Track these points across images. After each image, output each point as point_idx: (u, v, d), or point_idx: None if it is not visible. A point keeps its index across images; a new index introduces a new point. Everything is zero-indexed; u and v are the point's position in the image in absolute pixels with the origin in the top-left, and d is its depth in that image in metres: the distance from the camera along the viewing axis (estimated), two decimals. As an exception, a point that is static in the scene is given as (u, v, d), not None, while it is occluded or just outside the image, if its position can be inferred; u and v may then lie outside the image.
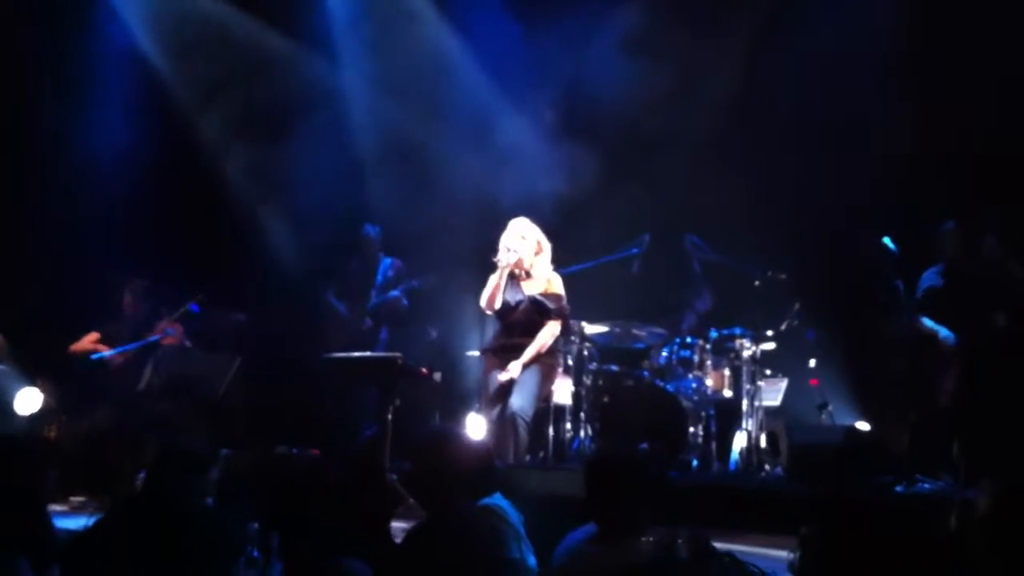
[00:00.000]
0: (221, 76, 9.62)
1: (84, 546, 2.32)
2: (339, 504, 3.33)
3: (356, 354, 8.12)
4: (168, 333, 8.18)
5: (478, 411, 7.35)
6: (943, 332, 7.63)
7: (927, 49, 8.43)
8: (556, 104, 9.80)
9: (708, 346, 8.54)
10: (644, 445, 7.60)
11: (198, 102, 9.86)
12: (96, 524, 2.32)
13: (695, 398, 8.37)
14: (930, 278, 7.85)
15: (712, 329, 8.56)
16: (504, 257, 7.06)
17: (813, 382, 8.87)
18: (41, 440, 6.97)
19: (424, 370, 7.76)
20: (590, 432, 8.24)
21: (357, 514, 3.41)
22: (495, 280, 7.09)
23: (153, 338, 8.16)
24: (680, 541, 3.29)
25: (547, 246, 7.22)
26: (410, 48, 9.60)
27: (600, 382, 8.48)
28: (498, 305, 7.13)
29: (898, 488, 6.75)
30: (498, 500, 4.32)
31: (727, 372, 8.51)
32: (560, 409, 8.23)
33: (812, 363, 8.85)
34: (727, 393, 8.46)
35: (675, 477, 7.52)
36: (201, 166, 9.80)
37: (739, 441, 8.17)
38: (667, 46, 9.20)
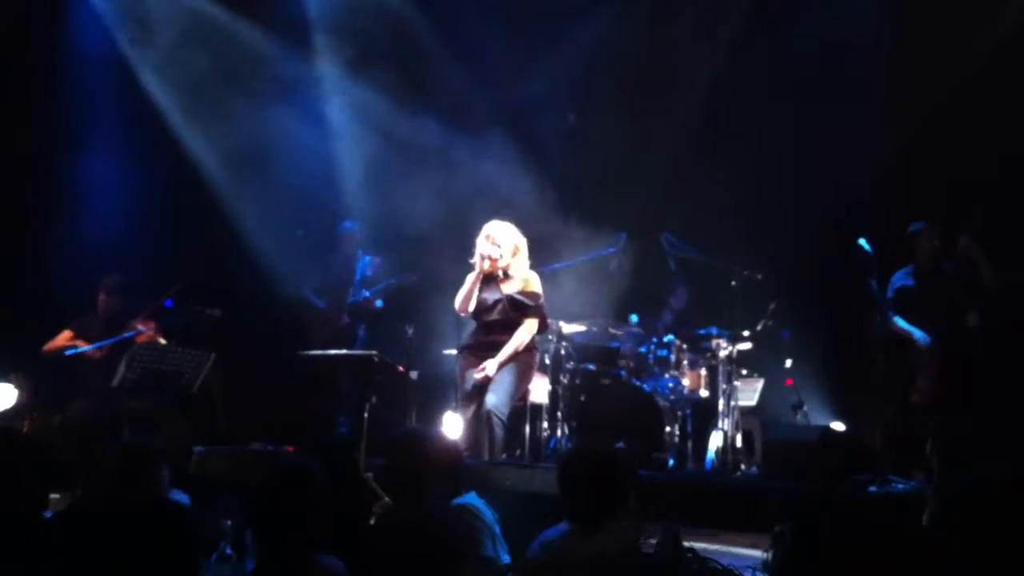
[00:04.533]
0: (198, 68, 9.55)
1: (46, 539, 2.30)
2: (313, 500, 3.32)
3: (333, 351, 8.10)
4: (140, 330, 8.11)
5: (454, 409, 7.33)
6: (917, 334, 7.68)
7: (906, 48, 8.47)
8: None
9: (685, 345, 8.56)
10: (620, 444, 7.65)
11: (176, 96, 9.79)
12: (55, 518, 2.30)
13: (672, 397, 8.40)
14: (901, 278, 7.89)
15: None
16: (479, 264, 7.04)
17: (789, 382, 8.91)
18: (20, 436, 6.90)
19: (400, 367, 7.75)
20: (567, 431, 8.25)
21: (332, 510, 3.39)
22: (468, 284, 7.08)
23: (127, 334, 8.09)
24: (656, 540, 3.31)
25: (524, 246, 7.20)
26: (391, 43, 9.56)
27: (577, 381, 8.50)
28: (471, 308, 7.12)
29: (872, 487, 6.79)
30: (472, 499, 4.33)
31: (704, 371, 8.53)
32: (537, 408, 8.23)
33: (788, 363, 8.89)
34: (703, 392, 8.49)
35: (650, 476, 7.53)
36: (178, 160, 9.73)
37: (715, 440, 8.19)
38: (645, 46, 9.22)
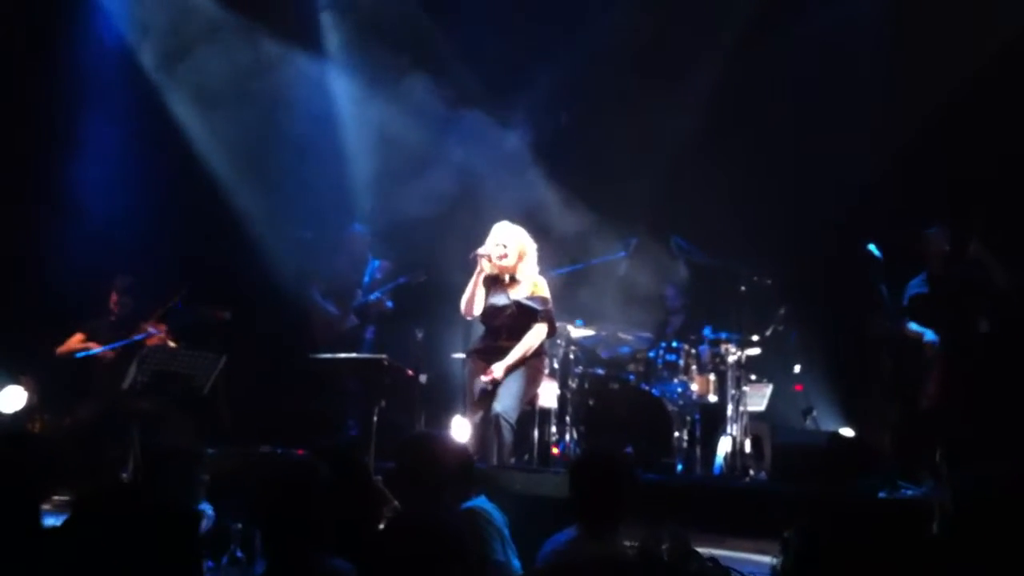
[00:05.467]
0: (206, 67, 9.56)
1: (55, 544, 2.31)
2: (323, 503, 3.33)
3: (342, 354, 8.11)
4: (151, 333, 8.13)
5: (463, 413, 7.33)
6: (928, 335, 7.67)
7: (912, 49, 8.47)
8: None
9: (695, 351, 8.55)
10: (629, 448, 7.65)
11: (183, 95, 9.82)
12: (68, 521, 2.31)
13: (680, 402, 8.39)
14: (916, 286, 7.88)
15: (703, 346, 8.56)
16: (479, 263, 7.03)
17: (798, 387, 8.89)
18: (35, 437, 6.93)
19: (409, 371, 7.75)
20: (575, 435, 8.24)
21: (341, 513, 3.40)
22: (471, 286, 7.07)
23: (138, 337, 8.11)
24: (664, 545, 3.31)
25: (532, 249, 7.19)
26: (401, 45, 9.58)
27: (586, 385, 8.49)
28: (476, 311, 7.11)
29: (881, 493, 6.77)
30: (482, 502, 4.33)
31: (712, 377, 8.52)
32: (545, 412, 8.22)
33: (797, 368, 8.87)
34: (712, 398, 8.47)
35: (659, 480, 7.53)
36: (188, 163, 9.76)
37: (724, 445, 8.18)
38: (652, 47, 9.22)
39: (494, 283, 7.15)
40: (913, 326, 7.75)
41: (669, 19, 9.24)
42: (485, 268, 7.05)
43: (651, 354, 8.67)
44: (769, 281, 8.52)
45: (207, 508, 4.80)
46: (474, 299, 7.07)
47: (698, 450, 8.33)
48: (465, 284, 7.17)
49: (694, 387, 8.45)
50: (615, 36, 9.36)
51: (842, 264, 8.40)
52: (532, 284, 7.13)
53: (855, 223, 8.32)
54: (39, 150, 9.49)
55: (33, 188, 9.49)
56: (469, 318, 7.23)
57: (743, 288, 8.51)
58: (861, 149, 8.65)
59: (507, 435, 6.86)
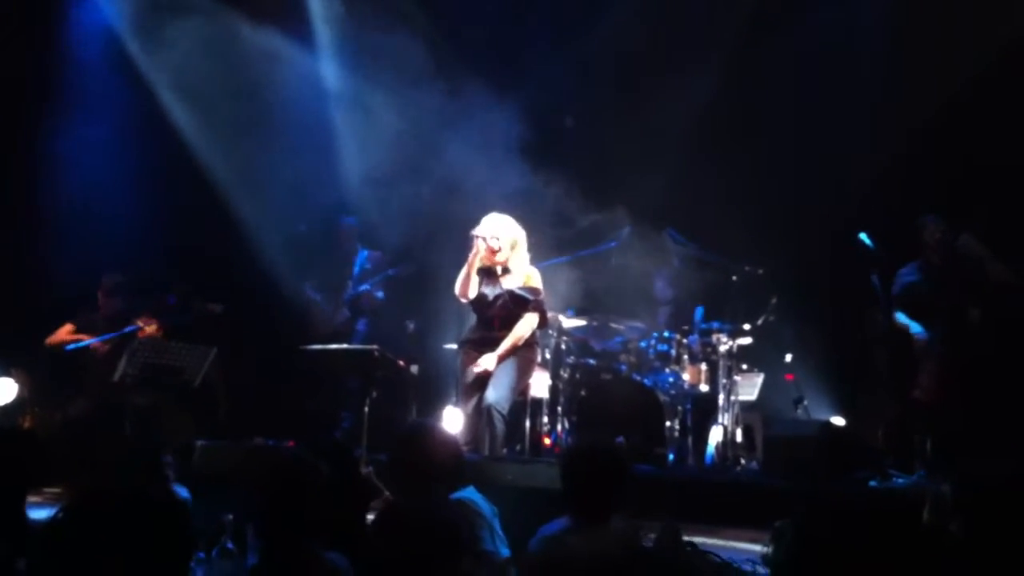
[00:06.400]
0: (198, 66, 9.53)
1: (50, 536, 2.30)
2: (316, 495, 3.32)
3: (334, 346, 8.10)
4: (141, 327, 8.11)
5: (455, 404, 7.33)
6: (914, 328, 7.68)
7: (907, 47, 8.48)
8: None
9: (685, 341, 8.56)
10: (620, 439, 7.65)
11: (176, 93, 9.78)
12: (61, 513, 2.31)
13: (672, 392, 8.39)
14: (908, 274, 7.89)
15: (693, 336, 8.56)
16: (476, 244, 6.99)
17: (789, 377, 8.90)
18: (22, 430, 6.91)
19: (401, 362, 7.74)
20: (567, 426, 8.25)
21: (334, 505, 3.40)
22: (466, 268, 7.03)
23: (129, 328, 8.09)
24: (653, 535, 3.32)
25: (523, 240, 7.17)
26: (394, 37, 9.55)
27: (577, 376, 8.50)
28: (472, 294, 7.06)
29: (872, 482, 6.79)
30: (471, 493, 4.34)
31: (704, 366, 8.52)
32: (537, 402, 8.23)
33: (788, 358, 8.88)
34: (704, 387, 8.48)
35: (650, 471, 7.54)
36: (179, 157, 9.73)
37: (715, 435, 8.19)
38: (651, 44, 9.22)
39: (486, 274, 7.13)
40: (901, 318, 7.76)
41: (670, 16, 9.23)
42: (481, 249, 7.01)
43: (643, 344, 8.67)
44: (760, 271, 8.53)
45: (181, 491, 4.80)
46: (469, 280, 7.03)
47: (690, 440, 8.34)
48: (457, 275, 7.15)
49: (686, 377, 8.45)
50: (616, 32, 9.35)
51: (837, 257, 8.41)
52: (525, 275, 7.11)
53: (853, 219, 8.32)
54: (30, 145, 9.45)
55: (23, 181, 9.45)
56: (464, 300, 7.17)
57: (734, 278, 8.52)
58: (857, 143, 8.65)
59: (499, 426, 6.85)
